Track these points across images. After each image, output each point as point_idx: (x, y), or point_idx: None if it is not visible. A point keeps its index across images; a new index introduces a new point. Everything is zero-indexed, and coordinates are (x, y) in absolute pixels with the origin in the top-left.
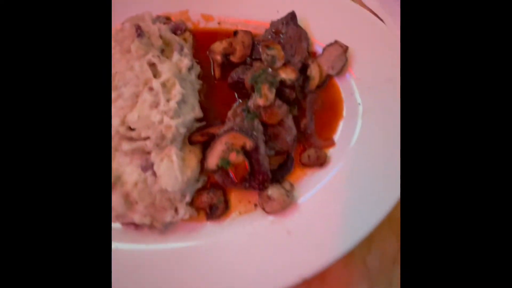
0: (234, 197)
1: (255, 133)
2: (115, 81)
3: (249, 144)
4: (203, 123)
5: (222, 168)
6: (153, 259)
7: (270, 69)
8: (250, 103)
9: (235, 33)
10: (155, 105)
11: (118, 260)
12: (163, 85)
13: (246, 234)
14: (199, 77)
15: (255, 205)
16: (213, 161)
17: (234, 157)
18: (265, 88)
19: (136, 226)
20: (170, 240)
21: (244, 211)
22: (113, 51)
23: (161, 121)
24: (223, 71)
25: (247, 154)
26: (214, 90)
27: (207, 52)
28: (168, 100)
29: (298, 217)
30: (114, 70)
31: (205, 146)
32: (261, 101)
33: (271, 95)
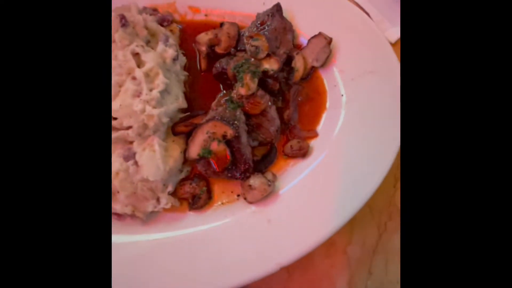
0: (218, 187)
1: (236, 122)
2: None
3: (229, 132)
4: (187, 113)
5: (203, 158)
6: (135, 250)
7: (252, 59)
8: (234, 93)
9: (221, 24)
10: (138, 94)
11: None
12: (146, 74)
13: (228, 223)
14: (184, 68)
15: (238, 195)
16: (194, 150)
17: (215, 146)
18: (247, 78)
19: (119, 216)
20: (152, 230)
21: (227, 201)
22: None
23: (143, 110)
24: (209, 62)
25: (229, 143)
26: (199, 81)
27: (193, 44)
28: (151, 90)
29: (279, 206)
30: None
31: (189, 137)
32: (243, 90)
33: (253, 84)
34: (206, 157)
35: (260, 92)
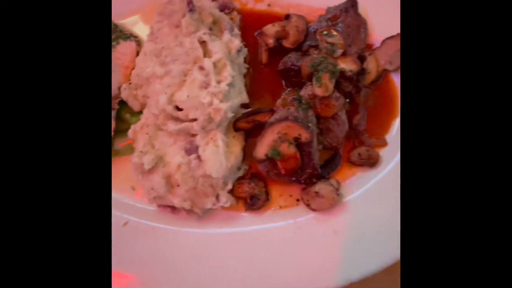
0: (275, 190)
1: (310, 124)
2: (162, 56)
3: (305, 136)
4: (249, 109)
5: (270, 159)
6: (189, 242)
7: (329, 58)
8: (303, 93)
9: (287, 16)
10: (205, 85)
11: (158, 239)
12: (214, 65)
13: (289, 228)
14: (245, 60)
15: (297, 200)
16: (262, 150)
17: (286, 148)
18: (326, 78)
19: (173, 209)
20: (207, 227)
21: (285, 205)
22: (160, 24)
23: (210, 103)
24: (270, 56)
25: (299, 146)
26: (259, 76)
27: (255, 35)
28: (218, 82)
29: (346, 217)
30: (161, 44)
31: (248, 134)
32: (319, 91)
33: (331, 85)
34: (274, 158)
35: (336, 94)
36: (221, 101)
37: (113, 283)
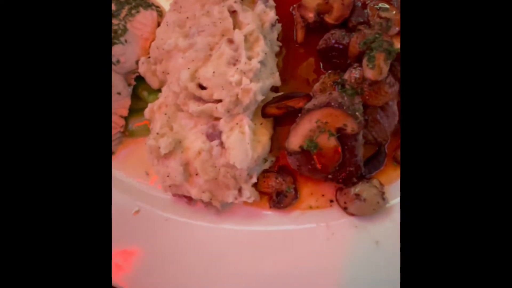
0: (305, 187)
1: (358, 113)
2: (186, 27)
3: (351, 126)
4: (280, 93)
5: (304, 151)
6: (206, 237)
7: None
8: (348, 76)
9: None
10: (234, 62)
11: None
12: (245, 39)
13: (321, 233)
14: (277, 38)
15: (331, 201)
16: (296, 140)
17: (325, 140)
18: (380, 58)
19: (189, 200)
20: (225, 223)
21: (316, 205)
22: None
23: (239, 82)
24: (306, 34)
25: (341, 139)
26: (292, 56)
27: (291, 9)
28: (249, 58)
29: (390, 225)
30: (185, 14)
31: (277, 121)
32: (371, 74)
33: (386, 67)
34: (311, 151)
35: (390, 80)
36: (251, 80)
37: (120, 275)
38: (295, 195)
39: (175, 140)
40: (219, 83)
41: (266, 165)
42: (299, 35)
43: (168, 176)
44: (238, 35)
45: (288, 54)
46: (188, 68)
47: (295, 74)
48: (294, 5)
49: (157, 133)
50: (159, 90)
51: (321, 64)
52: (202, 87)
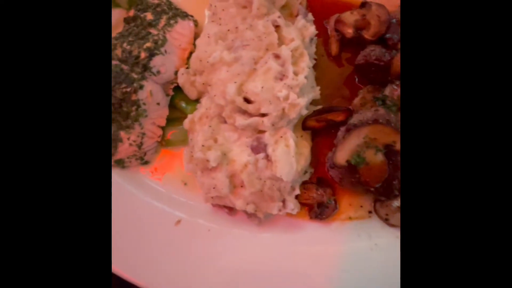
0: (343, 198)
1: None
2: (228, 40)
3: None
4: (318, 106)
5: (350, 165)
6: (249, 246)
7: None
8: (389, 92)
9: (364, 4)
10: (281, 77)
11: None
12: (291, 54)
13: (365, 244)
14: None
15: (369, 212)
16: (343, 155)
17: (372, 156)
18: None
19: (230, 210)
20: (269, 232)
21: (355, 216)
22: (224, 4)
23: (286, 97)
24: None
25: (387, 155)
26: (327, 68)
27: (325, 22)
28: (295, 74)
29: None
30: (226, 26)
31: (314, 134)
32: None
33: None
34: (357, 166)
35: None
36: (298, 95)
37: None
38: (335, 206)
39: (221, 152)
40: (266, 98)
41: (306, 177)
42: (334, 48)
43: (214, 188)
44: (285, 51)
45: (321, 66)
46: (235, 82)
47: (329, 86)
48: (328, 19)
49: (203, 145)
50: (197, 101)
51: (357, 78)
52: (247, 101)
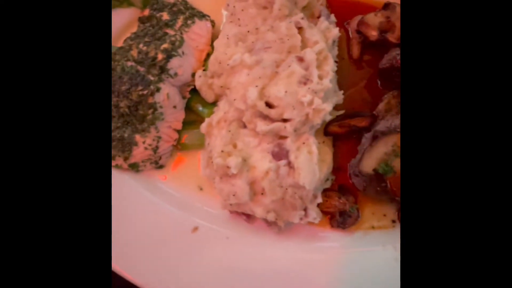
0: (366, 207)
1: None
2: (248, 41)
3: None
4: (341, 111)
5: (377, 174)
6: (269, 256)
7: None
8: None
9: (387, 6)
10: (304, 81)
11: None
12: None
13: (390, 255)
14: None
15: (393, 221)
16: (370, 163)
17: (400, 164)
18: None
19: (248, 217)
20: (287, 242)
21: (378, 225)
22: (243, 4)
23: (311, 102)
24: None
25: None
26: (347, 71)
27: (346, 24)
28: (320, 78)
29: None
30: (245, 27)
31: (337, 139)
32: None
33: None
34: (385, 174)
35: None
36: (323, 100)
37: None
38: (358, 215)
39: (242, 158)
40: (290, 103)
41: (327, 184)
42: (355, 50)
43: (234, 195)
44: (309, 54)
45: (342, 69)
46: (256, 86)
47: (350, 90)
48: (349, 21)
49: (222, 151)
50: (213, 104)
51: (379, 82)
52: (269, 105)
